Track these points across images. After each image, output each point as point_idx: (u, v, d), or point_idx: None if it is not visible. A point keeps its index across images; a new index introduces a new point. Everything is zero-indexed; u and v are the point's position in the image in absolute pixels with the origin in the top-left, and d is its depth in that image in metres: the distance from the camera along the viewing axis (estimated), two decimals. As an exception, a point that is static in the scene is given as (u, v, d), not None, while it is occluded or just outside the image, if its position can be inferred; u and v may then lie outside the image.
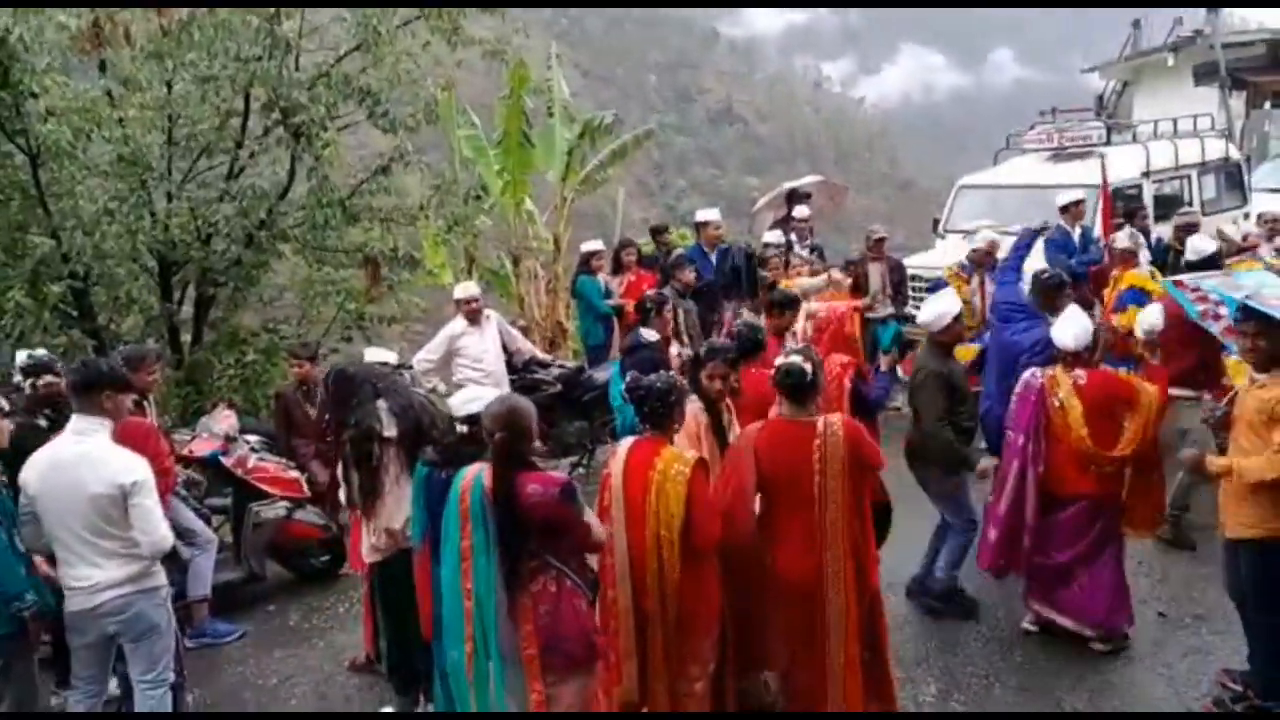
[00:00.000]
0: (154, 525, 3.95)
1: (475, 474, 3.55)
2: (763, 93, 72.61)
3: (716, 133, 65.17)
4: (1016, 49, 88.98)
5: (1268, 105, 16.23)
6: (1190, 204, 10.15)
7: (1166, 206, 9.91)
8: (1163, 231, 9.26)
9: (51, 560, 4.13)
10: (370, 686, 5.15)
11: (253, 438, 6.48)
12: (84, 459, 3.92)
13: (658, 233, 10.27)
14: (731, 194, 44.93)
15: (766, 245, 8.76)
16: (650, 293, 6.82)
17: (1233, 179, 11.43)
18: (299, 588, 6.42)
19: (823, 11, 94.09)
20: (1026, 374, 5.03)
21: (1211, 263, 6.26)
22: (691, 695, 3.89)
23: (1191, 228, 8.21)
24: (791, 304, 6.04)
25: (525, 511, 3.42)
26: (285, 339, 9.55)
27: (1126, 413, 4.82)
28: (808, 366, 4.02)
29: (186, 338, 9.41)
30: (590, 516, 3.58)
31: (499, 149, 11.39)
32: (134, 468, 3.95)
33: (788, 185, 11.22)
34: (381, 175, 9.36)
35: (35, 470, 3.97)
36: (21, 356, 5.56)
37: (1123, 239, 7.62)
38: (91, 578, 3.94)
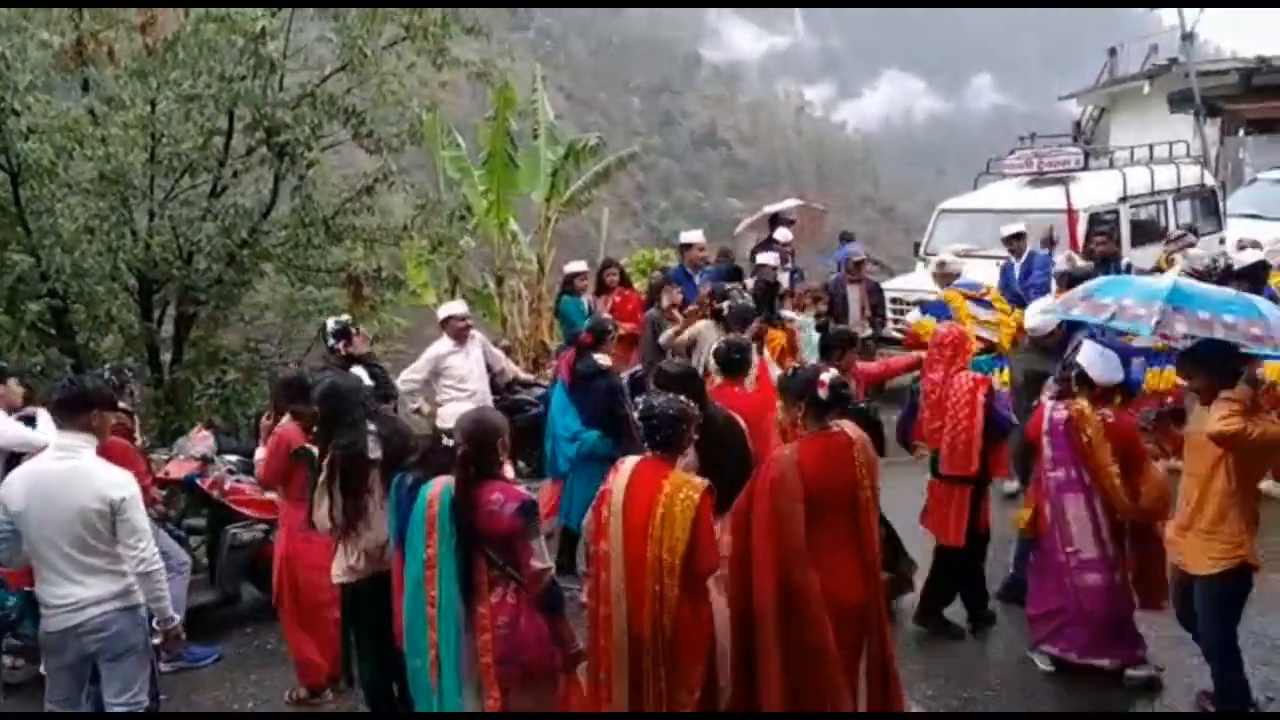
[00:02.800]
0: (144, 541, 3.93)
1: (444, 484, 3.61)
2: (745, 117, 73.19)
3: (700, 156, 65.59)
4: (995, 75, 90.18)
5: (1241, 132, 16.52)
6: (1166, 229, 10.30)
7: (1144, 232, 10.04)
8: (1137, 256, 9.39)
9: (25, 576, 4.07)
10: (353, 708, 5.08)
11: (232, 458, 6.43)
12: (73, 474, 3.88)
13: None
14: (715, 216, 45.15)
15: (762, 266, 8.78)
16: (603, 316, 6.67)
17: (1208, 204, 11.62)
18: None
19: (804, 36, 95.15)
20: (1046, 408, 4.84)
21: (1255, 273, 6.46)
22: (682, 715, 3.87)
23: (1189, 248, 8.34)
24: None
25: (482, 522, 3.49)
26: (266, 358, 9.50)
27: (1143, 463, 4.69)
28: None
29: (166, 356, 9.34)
30: (539, 542, 3.56)
31: (484, 169, 11.43)
32: (124, 483, 3.93)
33: (769, 209, 11.30)
34: (366, 195, 9.35)
35: (17, 486, 3.93)
36: None
37: (1061, 263, 7.74)
38: (73, 595, 3.89)
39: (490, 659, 3.50)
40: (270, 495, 6.13)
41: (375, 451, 4.40)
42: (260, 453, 5.28)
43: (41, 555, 3.91)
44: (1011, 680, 4.92)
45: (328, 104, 8.66)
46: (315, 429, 4.62)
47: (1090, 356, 4.69)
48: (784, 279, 9.16)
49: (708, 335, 6.65)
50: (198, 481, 6.03)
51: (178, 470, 6.05)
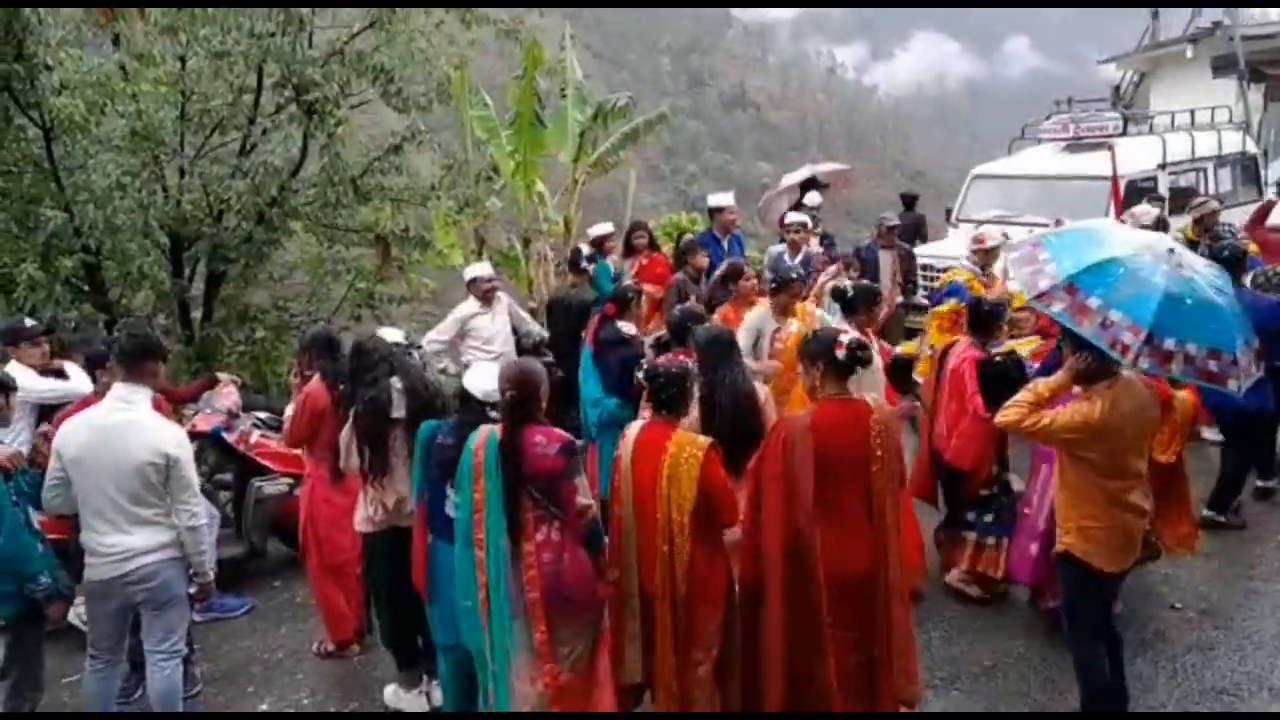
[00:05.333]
0: (196, 496, 4.06)
1: (488, 433, 3.75)
2: (775, 78, 72.26)
3: (729, 118, 64.95)
4: (1031, 38, 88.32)
5: (1286, 98, 16.07)
6: (1206, 196, 10.08)
7: (1182, 198, 9.83)
8: (1175, 224, 9.19)
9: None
10: (374, 664, 5.18)
11: (262, 414, 6.50)
12: (130, 426, 3.97)
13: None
14: (743, 180, 44.80)
15: (790, 225, 8.69)
16: (626, 284, 6.56)
17: (1249, 172, 11.35)
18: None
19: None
20: None
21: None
22: (696, 678, 3.90)
23: (1210, 218, 8.15)
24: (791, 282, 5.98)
25: (528, 462, 3.62)
26: (295, 316, 9.57)
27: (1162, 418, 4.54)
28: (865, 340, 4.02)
29: (197, 314, 9.43)
30: (582, 480, 3.70)
31: (511, 130, 11.34)
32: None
33: (792, 177, 11.18)
34: (393, 154, 9.35)
35: (74, 435, 4.01)
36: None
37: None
38: (122, 544, 3.99)
39: (537, 594, 3.63)
40: (295, 450, 6.23)
41: (399, 409, 4.51)
42: (290, 410, 5.34)
43: (92, 504, 4.00)
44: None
45: (356, 62, 8.64)
46: (341, 385, 4.69)
47: None
48: (814, 244, 9.08)
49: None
50: (224, 434, 6.11)
51: (204, 423, 6.15)
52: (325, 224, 9.44)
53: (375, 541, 4.59)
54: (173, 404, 5.85)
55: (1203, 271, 3.88)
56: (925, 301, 8.96)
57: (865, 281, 6.42)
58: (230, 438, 6.12)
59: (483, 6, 9.60)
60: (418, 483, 4.11)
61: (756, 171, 49.85)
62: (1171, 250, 3.81)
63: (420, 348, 6.24)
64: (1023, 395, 3.93)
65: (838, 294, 5.73)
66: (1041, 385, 3.96)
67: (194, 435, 6.09)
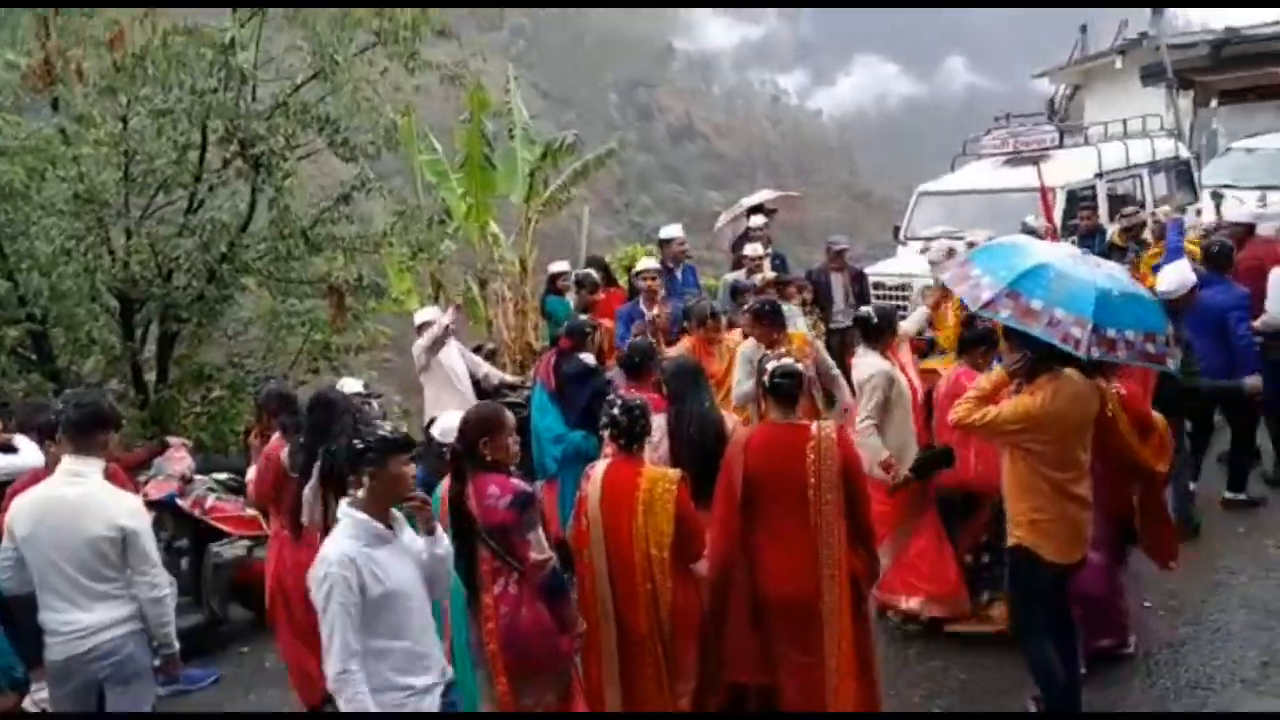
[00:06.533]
0: (156, 567, 3.96)
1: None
2: (721, 108, 73.15)
3: (678, 149, 65.49)
4: (967, 57, 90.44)
5: (1214, 104, 16.60)
6: (1143, 202, 10.35)
7: (1120, 205, 10.08)
8: (1113, 230, 9.42)
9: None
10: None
11: (222, 475, 6.38)
12: (84, 500, 3.86)
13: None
14: (695, 209, 45.11)
15: (748, 258, 8.80)
16: (582, 318, 6.61)
17: (1183, 176, 11.68)
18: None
19: (775, 24, 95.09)
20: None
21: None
22: (677, 710, 3.89)
23: (1137, 228, 8.45)
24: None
25: (480, 514, 3.57)
26: (251, 373, 9.43)
27: (1149, 434, 4.67)
28: (801, 368, 4.04)
29: (151, 377, 9.26)
30: (537, 534, 3.62)
31: (461, 173, 11.38)
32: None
33: (745, 202, 11.33)
34: (343, 203, 9.29)
35: (25, 512, 3.90)
36: None
37: (936, 251, 7.43)
38: (80, 621, 3.87)
39: (496, 646, 3.60)
40: (252, 511, 6.10)
41: None
42: (252, 471, 5.24)
43: (48, 582, 3.88)
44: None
45: (301, 113, 8.60)
46: (303, 439, 4.63)
47: None
48: (768, 267, 9.16)
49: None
50: (178, 501, 5.97)
51: (156, 490, 5.99)
52: (278, 277, 9.34)
53: None
54: (128, 472, 5.72)
55: (1111, 269, 4.21)
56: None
57: (884, 303, 6.29)
58: (184, 503, 5.98)
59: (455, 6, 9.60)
60: None
61: (708, 200, 50.26)
62: (1085, 252, 4.17)
63: (379, 396, 6.20)
64: (970, 393, 4.08)
65: (859, 321, 5.50)
66: (984, 381, 4.12)
67: (148, 504, 5.96)
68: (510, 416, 3.86)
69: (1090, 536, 4.19)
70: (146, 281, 8.58)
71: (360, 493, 3.15)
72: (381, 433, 3.21)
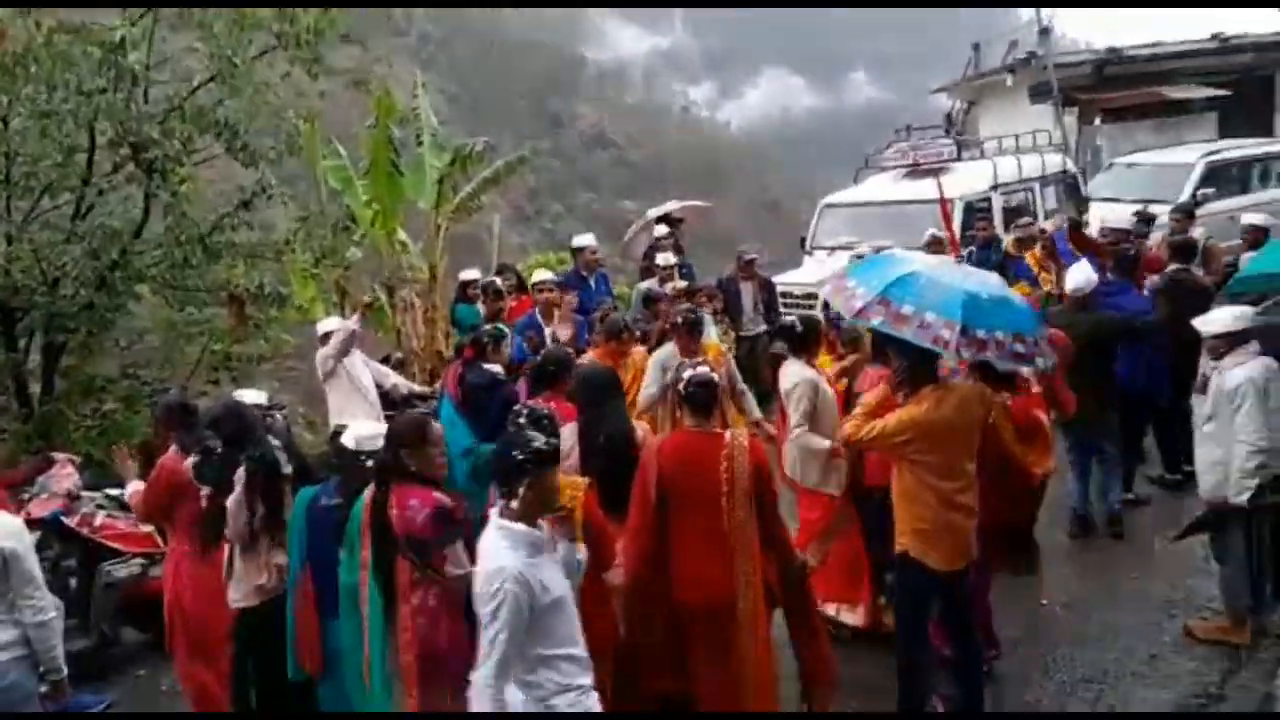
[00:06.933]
0: (40, 590, 3.80)
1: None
2: (633, 117, 73.50)
3: (590, 158, 65.55)
4: (869, 71, 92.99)
5: (1098, 120, 17.45)
6: (1035, 214, 10.81)
7: (1014, 217, 10.50)
8: (1008, 240, 9.82)
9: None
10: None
11: (115, 491, 6.09)
12: None
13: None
14: (608, 217, 45.26)
15: (660, 267, 8.85)
16: (487, 326, 6.50)
17: (1071, 189, 12.24)
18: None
19: (683, 35, 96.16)
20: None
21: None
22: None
23: (1029, 240, 8.84)
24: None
25: (399, 525, 3.54)
26: (147, 385, 9.06)
27: (1033, 439, 4.88)
28: (717, 378, 4.08)
29: (36, 389, 8.81)
30: (455, 549, 3.58)
31: (367, 179, 11.13)
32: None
33: (653, 212, 11.43)
34: (243, 210, 9.02)
35: None
36: None
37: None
38: None
39: (411, 656, 3.56)
40: (147, 528, 5.83)
41: (287, 466, 4.41)
42: (132, 486, 5.02)
43: None
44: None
45: (198, 117, 8.32)
46: (219, 450, 4.47)
47: None
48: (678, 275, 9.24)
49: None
50: (64, 519, 5.67)
51: (40, 509, 5.67)
52: (174, 285, 8.99)
53: (264, 611, 4.35)
54: (9, 490, 5.42)
55: (982, 276, 4.39)
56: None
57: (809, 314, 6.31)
58: (70, 522, 5.68)
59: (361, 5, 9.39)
60: (298, 555, 3.96)
61: (620, 209, 50.43)
62: (959, 260, 4.34)
63: (283, 408, 6.02)
64: (855, 411, 4.18)
65: (785, 331, 5.57)
66: (868, 398, 4.22)
67: (30, 523, 5.65)
68: (436, 428, 3.81)
69: (974, 546, 4.31)
70: (29, 289, 8.16)
71: (514, 504, 3.13)
72: (538, 445, 3.16)
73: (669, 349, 5.86)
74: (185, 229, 8.41)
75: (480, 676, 3.00)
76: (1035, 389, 5.15)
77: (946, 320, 3.86)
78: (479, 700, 3.00)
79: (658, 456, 3.98)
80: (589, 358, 6.38)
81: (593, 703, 3.19)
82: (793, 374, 5.27)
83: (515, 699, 3.07)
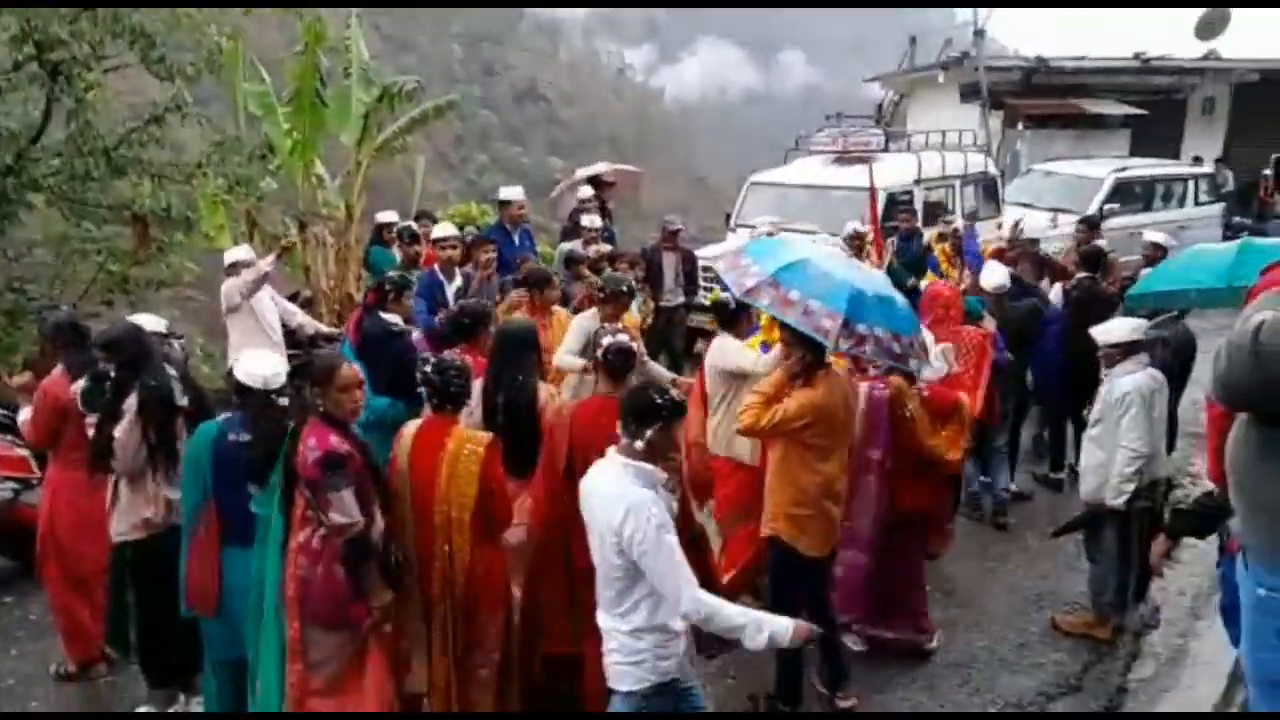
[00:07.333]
0: None
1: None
2: (567, 75, 72.46)
3: (520, 111, 64.38)
4: (806, 53, 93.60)
5: (1020, 126, 17.97)
6: (953, 211, 11.08)
7: (934, 212, 10.75)
8: (926, 234, 10.06)
9: None
10: (122, 686, 4.76)
11: (-4, 410, 5.79)
12: None
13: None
14: (535, 173, 44.69)
15: (586, 229, 8.77)
16: (391, 273, 6.24)
17: (990, 191, 12.58)
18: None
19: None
20: (864, 387, 4.91)
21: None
22: (478, 682, 3.87)
23: (956, 235, 9.07)
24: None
25: (297, 462, 3.54)
26: (34, 300, 8.60)
27: (949, 422, 5.02)
28: (635, 346, 4.11)
29: (-90, 295, 8.29)
30: (342, 496, 3.53)
31: (289, 108, 10.70)
32: None
33: (583, 172, 11.32)
34: (154, 125, 8.57)
35: None
36: None
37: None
38: None
39: (292, 593, 3.57)
40: (21, 451, 5.56)
41: (181, 398, 4.29)
42: (25, 411, 4.77)
43: None
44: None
45: (111, 21, 7.85)
46: (111, 376, 4.28)
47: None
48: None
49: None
50: (-72, 438, 5.38)
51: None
52: (72, 198, 8.52)
53: (148, 545, 4.24)
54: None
55: (870, 272, 4.63)
56: (705, 301, 9.31)
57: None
58: (-63, 441, 5.39)
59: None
60: (200, 490, 3.86)
61: (548, 166, 49.83)
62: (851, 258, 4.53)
63: (181, 338, 5.79)
64: (752, 399, 4.24)
65: (717, 307, 5.52)
66: (765, 385, 4.27)
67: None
68: (345, 370, 3.70)
69: (839, 533, 4.48)
70: (-90, 188, 7.66)
71: (638, 444, 3.22)
72: (674, 395, 3.31)
73: (591, 314, 5.82)
74: (89, 139, 7.97)
75: (688, 596, 3.09)
76: (958, 369, 5.35)
77: (830, 311, 4.00)
78: (705, 616, 3.10)
79: (571, 422, 3.97)
80: (510, 305, 6.32)
81: (682, 647, 3.34)
82: (725, 349, 5.26)
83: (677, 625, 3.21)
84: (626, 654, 3.23)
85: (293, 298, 7.87)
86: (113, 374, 4.29)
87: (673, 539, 3.12)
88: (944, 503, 5.34)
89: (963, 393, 5.28)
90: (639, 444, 3.23)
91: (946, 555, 6.04)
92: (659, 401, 3.25)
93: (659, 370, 6.28)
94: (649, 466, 3.22)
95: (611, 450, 3.31)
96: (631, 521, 3.07)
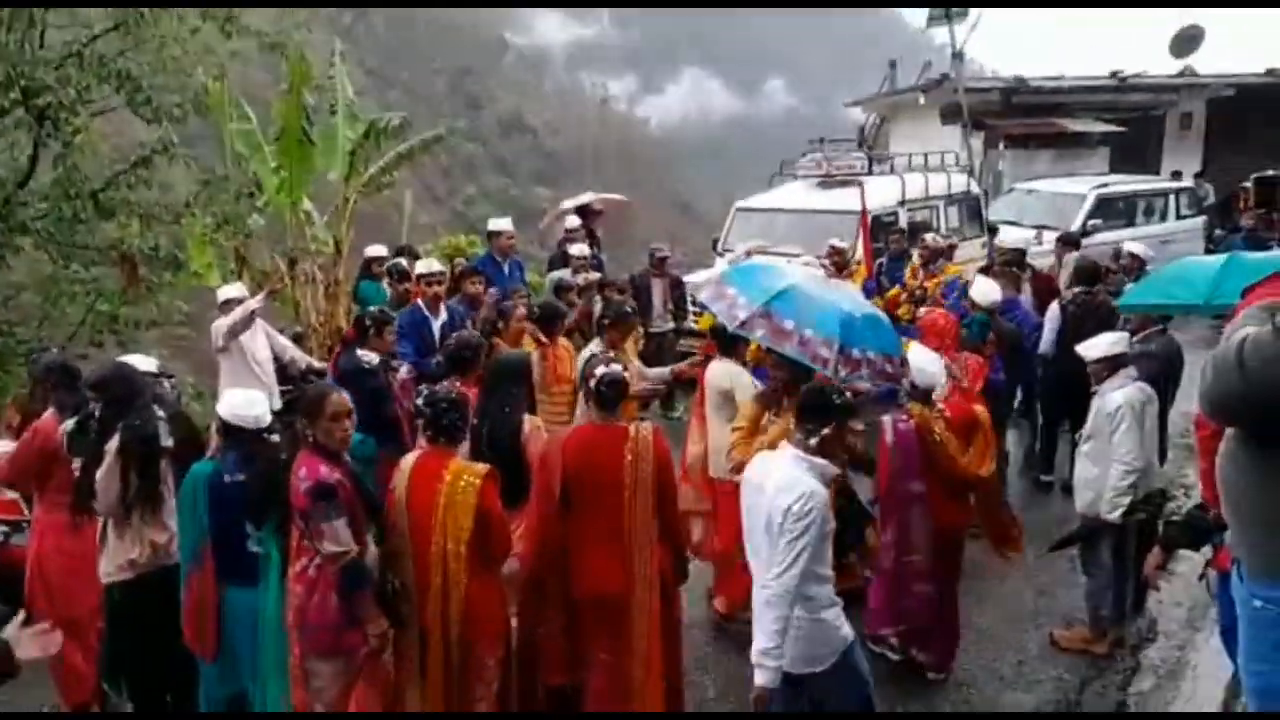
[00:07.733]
0: None
1: None
2: (552, 105, 73.04)
3: (506, 142, 64.76)
4: (787, 79, 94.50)
5: (1001, 146, 18.16)
6: (939, 231, 11.16)
7: (921, 231, 10.82)
8: (911, 255, 10.11)
9: None
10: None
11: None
12: None
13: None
14: (522, 203, 44.92)
15: (575, 257, 8.82)
16: (372, 309, 6.26)
17: (974, 210, 12.69)
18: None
19: (608, 28, 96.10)
20: (887, 421, 4.77)
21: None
22: (476, 714, 3.85)
23: (937, 254, 9.12)
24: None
25: (290, 492, 3.60)
26: (23, 343, 8.59)
27: (974, 436, 4.92)
28: (626, 377, 4.13)
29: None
30: (334, 526, 3.56)
31: (276, 145, 10.77)
32: None
33: (570, 202, 11.40)
34: (142, 167, 8.62)
35: None
36: None
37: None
38: None
39: (292, 620, 3.65)
40: (10, 495, 5.52)
41: (168, 439, 4.25)
42: (3, 447, 4.75)
43: None
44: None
45: (98, 66, 7.91)
46: (96, 418, 4.27)
47: (918, 364, 4.75)
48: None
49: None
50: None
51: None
52: (59, 241, 8.54)
53: (136, 586, 4.20)
54: None
55: (852, 293, 4.63)
56: (695, 326, 9.37)
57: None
58: (-77, 486, 5.34)
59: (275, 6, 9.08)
60: (197, 531, 3.86)
61: (535, 196, 50.09)
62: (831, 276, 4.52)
63: (172, 377, 5.78)
64: (734, 436, 4.27)
65: (715, 332, 5.51)
66: (747, 412, 4.31)
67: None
68: (334, 400, 3.74)
69: None
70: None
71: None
72: (850, 398, 3.55)
73: (598, 344, 5.85)
74: (76, 183, 8.03)
75: (781, 582, 3.24)
76: (965, 384, 5.34)
77: (825, 338, 4.03)
78: (780, 603, 3.23)
79: (563, 450, 3.97)
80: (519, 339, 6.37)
81: (840, 615, 3.54)
82: (722, 372, 5.27)
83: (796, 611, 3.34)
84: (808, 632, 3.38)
85: (280, 333, 7.86)
86: (97, 414, 4.29)
87: (813, 542, 3.26)
88: (991, 508, 5.24)
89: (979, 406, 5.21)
90: (814, 440, 3.40)
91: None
92: (836, 401, 3.47)
93: (657, 372, 6.33)
94: (822, 461, 3.39)
95: (784, 444, 3.49)
96: (801, 504, 3.23)
